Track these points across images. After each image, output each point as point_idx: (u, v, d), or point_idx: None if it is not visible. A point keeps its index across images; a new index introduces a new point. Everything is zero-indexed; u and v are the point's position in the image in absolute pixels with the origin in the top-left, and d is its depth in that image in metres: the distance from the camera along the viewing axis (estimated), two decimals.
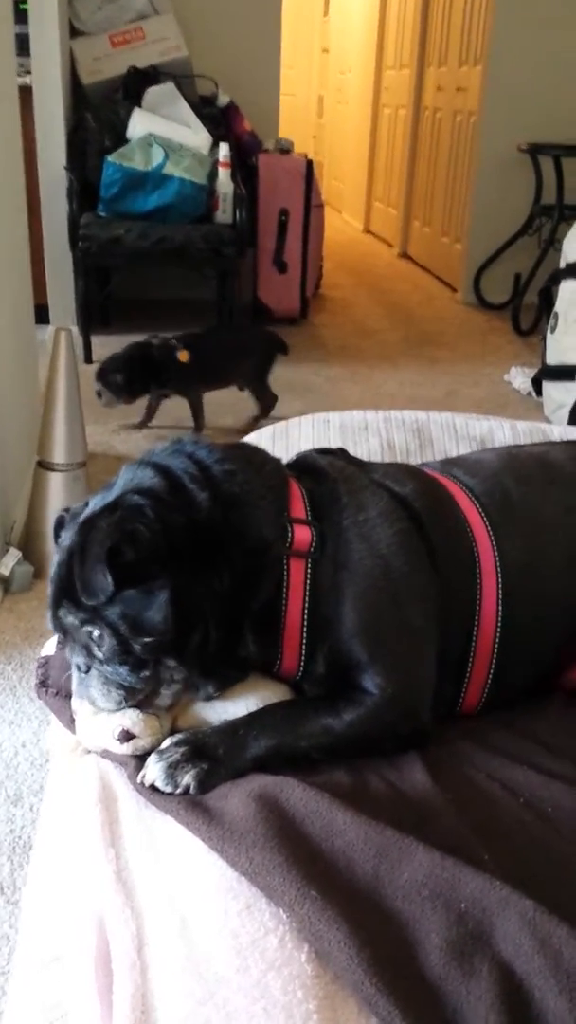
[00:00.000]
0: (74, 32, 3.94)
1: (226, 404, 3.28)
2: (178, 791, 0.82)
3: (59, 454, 2.13)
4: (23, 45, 3.41)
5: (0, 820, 1.42)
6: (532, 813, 0.84)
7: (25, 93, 3.58)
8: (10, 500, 2.20)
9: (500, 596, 0.99)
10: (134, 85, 3.87)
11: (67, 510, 0.95)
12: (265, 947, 0.68)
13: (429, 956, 0.68)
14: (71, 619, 0.87)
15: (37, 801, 1.46)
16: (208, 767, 0.83)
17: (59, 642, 1.10)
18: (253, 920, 0.70)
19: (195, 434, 0.99)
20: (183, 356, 2.76)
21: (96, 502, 0.90)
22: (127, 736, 0.85)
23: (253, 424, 3.09)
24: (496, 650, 0.99)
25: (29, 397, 2.53)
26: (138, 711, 0.87)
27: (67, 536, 0.89)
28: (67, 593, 0.86)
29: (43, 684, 1.01)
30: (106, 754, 0.88)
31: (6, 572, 2.02)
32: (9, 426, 2.22)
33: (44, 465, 2.15)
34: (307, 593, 0.90)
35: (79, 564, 0.83)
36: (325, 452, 1.10)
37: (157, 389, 2.96)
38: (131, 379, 2.85)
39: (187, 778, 0.82)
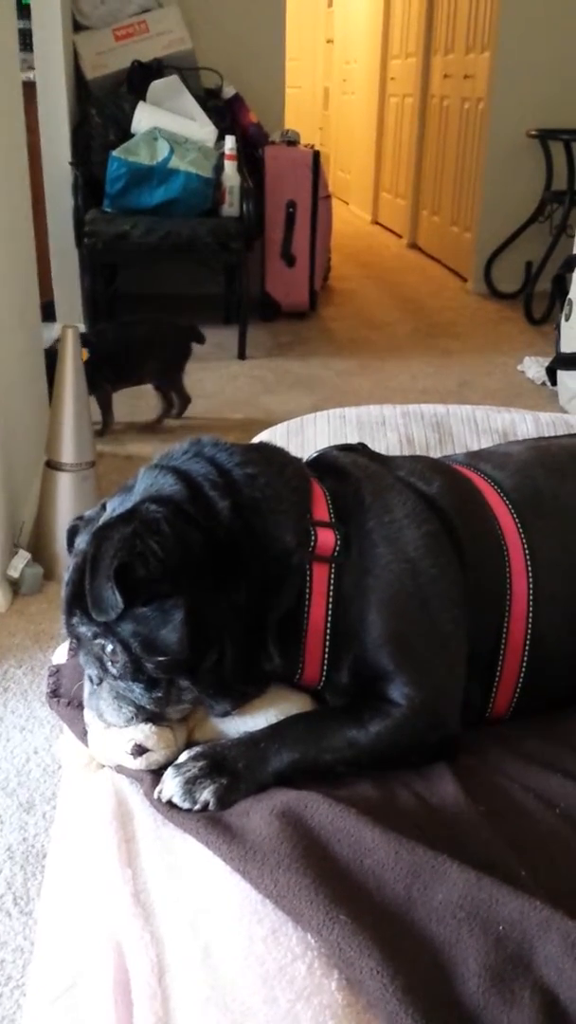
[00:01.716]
0: (77, 27, 3.91)
1: (238, 401, 3.25)
2: (197, 807, 0.78)
3: (67, 454, 2.10)
4: (26, 41, 3.38)
5: (13, 828, 1.39)
6: (569, 825, 0.80)
7: (29, 89, 3.55)
8: (19, 501, 2.18)
9: (530, 597, 0.94)
10: (138, 79, 3.84)
11: (80, 517, 0.91)
12: (293, 975, 0.64)
13: (467, 983, 0.64)
14: (84, 629, 0.83)
15: (50, 809, 1.43)
16: (228, 782, 0.79)
17: (71, 648, 1.06)
18: (280, 946, 0.66)
19: (213, 435, 0.95)
20: (81, 355, 2.50)
21: (113, 506, 0.87)
22: (140, 750, 0.82)
23: (157, 423, 2.92)
24: (526, 653, 0.95)
25: (36, 396, 2.50)
26: (151, 724, 0.83)
27: (82, 541, 0.86)
28: (80, 601, 0.82)
29: (54, 694, 0.97)
30: (120, 769, 0.85)
31: (15, 574, 1.99)
32: (17, 426, 2.19)
33: (52, 465, 2.12)
34: (330, 599, 0.86)
35: (89, 577, 0.79)
36: (346, 448, 1.06)
37: None
38: None
39: (206, 794, 0.78)
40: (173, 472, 0.86)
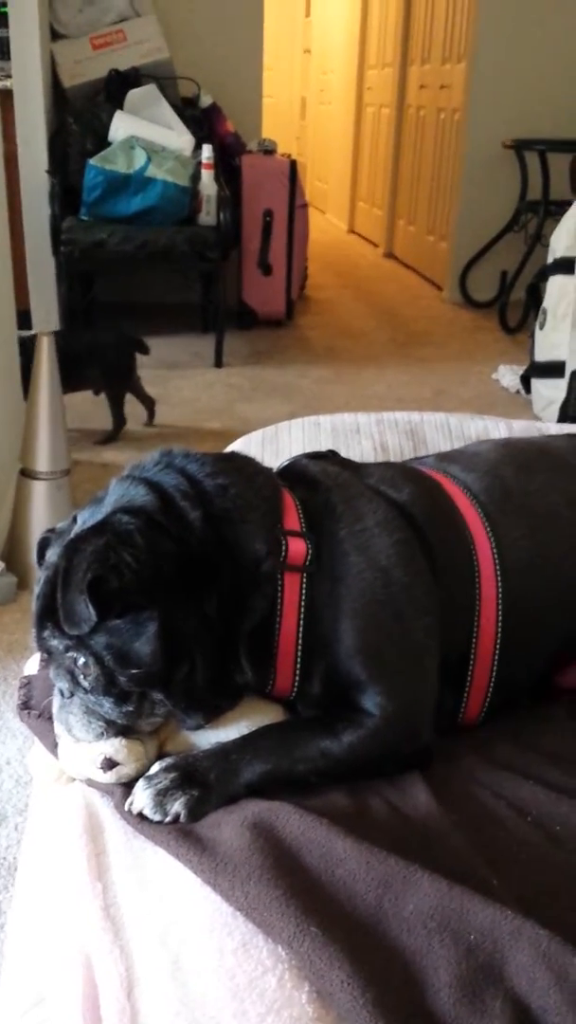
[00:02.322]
0: (55, 35, 3.90)
1: (214, 410, 3.24)
2: (167, 820, 0.77)
3: (42, 462, 2.09)
4: (3, 49, 3.37)
5: None
6: (541, 833, 0.80)
7: (6, 97, 3.55)
8: None
9: (500, 601, 0.95)
10: (116, 88, 3.83)
11: (52, 530, 0.90)
12: (264, 988, 0.64)
13: (438, 993, 0.64)
14: (55, 642, 0.82)
15: (22, 821, 1.41)
16: (199, 794, 0.78)
17: (42, 660, 1.05)
18: (250, 959, 0.66)
19: (184, 446, 0.94)
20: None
21: (84, 518, 0.86)
22: (110, 764, 0.81)
23: (105, 440, 2.85)
24: (497, 656, 0.95)
25: (11, 404, 2.48)
26: (121, 738, 0.82)
27: (52, 554, 0.85)
28: (51, 614, 0.81)
29: (25, 706, 0.96)
30: (91, 782, 0.84)
31: None
32: None
33: (27, 473, 2.10)
34: (302, 609, 0.86)
35: (62, 591, 0.78)
36: (316, 456, 1.06)
37: None
38: None
39: (177, 806, 0.77)
40: (144, 483, 0.86)
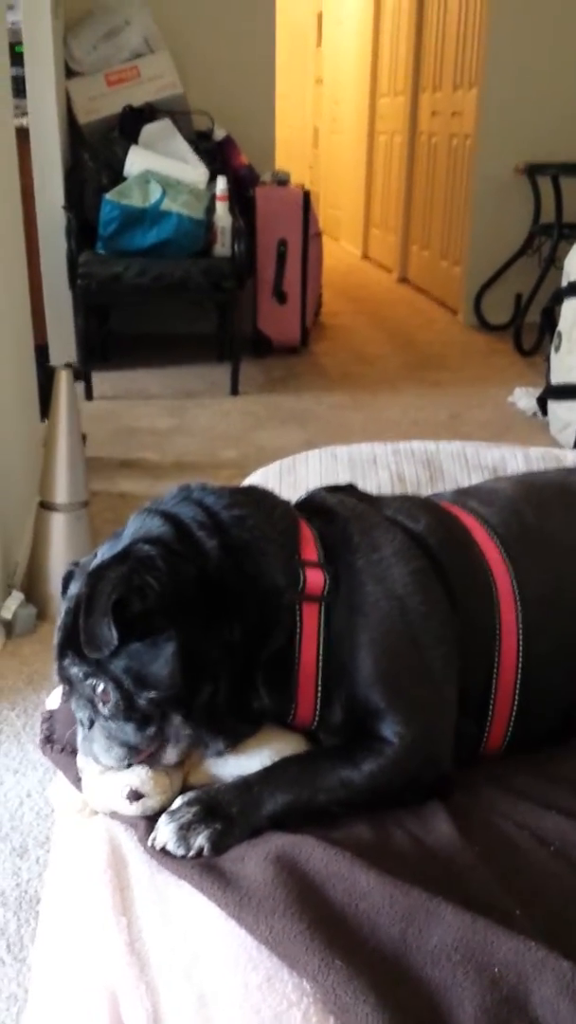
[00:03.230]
0: (70, 72, 3.98)
1: (230, 438, 3.27)
2: (191, 854, 0.78)
3: (61, 494, 2.11)
4: (19, 87, 3.44)
5: (6, 874, 1.38)
6: (563, 863, 0.80)
7: (22, 134, 3.61)
8: (12, 542, 2.18)
9: (520, 631, 0.95)
10: (130, 123, 3.90)
11: (76, 563, 0.92)
12: (289, 1022, 0.64)
13: None
14: (75, 670, 0.84)
15: (43, 853, 1.42)
16: (222, 827, 0.79)
17: (64, 694, 1.06)
18: (275, 993, 0.66)
19: (202, 481, 0.96)
20: None
21: (104, 552, 0.88)
22: (136, 795, 0.82)
23: None
24: (518, 687, 0.95)
25: (30, 437, 2.52)
26: (147, 768, 0.83)
27: (75, 586, 0.87)
28: (72, 643, 0.83)
29: (48, 740, 0.97)
30: (114, 815, 0.84)
31: (9, 615, 1.99)
32: (11, 467, 2.20)
33: (46, 506, 2.13)
34: (321, 639, 0.87)
35: (84, 615, 0.80)
36: (334, 489, 1.07)
37: None
38: None
39: (200, 839, 0.78)
40: (161, 515, 0.88)
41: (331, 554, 0.91)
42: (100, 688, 0.82)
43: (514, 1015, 0.64)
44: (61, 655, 0.85)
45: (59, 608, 0.88)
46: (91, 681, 0.83)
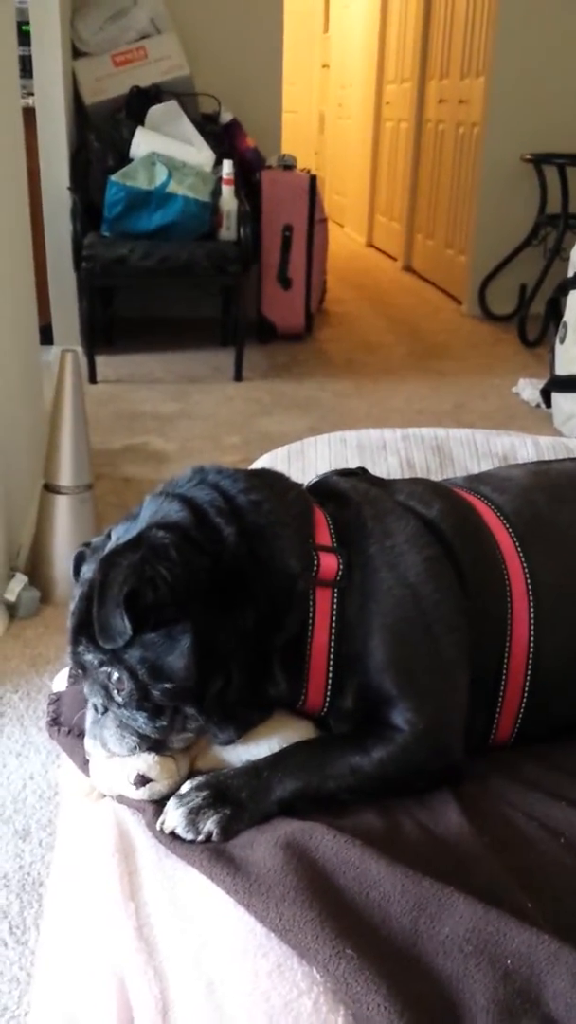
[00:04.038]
0: (76, 53, 3.94)
1: (235, 422, 3.25)
2: (200, 838, 0.77)
3: (65, 477, 2.10)
4: (26, 67, 3.41)
5: (9, 856, 1.38)
6: (573, 855, 0.80)
7: (28, 114, 3.58)
8: (16, 524, 2.17)
9: (532, 620, 0.94)
10: (137, 104, 3.87)
11: (87, 544, 0.91)
12: (299, 1011, 0.63)
13: (476, 1019, 0.63)
14: (90, 657, 0.83)
15: (46, 836, 1.41)
16: (231, 812, 0.78)
17: (71, 675, 1.05)
18: (285, 981, 0.65)
19: (216, 463, 0.95)
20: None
21: (119, 534, 0.86)
22: (143, 780, 0.81)
23: None
24: (529, 677, 0.94)
25: (34, 420, 2.50)
26: (154, 754, 0.82)
27: (88, 569, 0.85)
28: (86, 629, 0.82)
29: (55, 722, 0.97)
30: (122, 799, 0.84)
31: (12, 598, 1.98)
32: (15, 449, 2.19)
33: (50, 488, 2.11)
34: (333, 624, 0.86)
35: (97, 605, 0.79)
36: (346, 473, 1.06)
37: None
38: None
39: (209, 824, 0.77)
40: (178, 499, 0.86)
41: (344, 539, 0.90)
42: (115, 676, 0.81)
43: (527, 1008, 0.64)
44: (75, 641, 0.84)
45: (72, 591, 0.87)
46: (106, 669, 0.82)
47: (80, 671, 0.85)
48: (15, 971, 1.20)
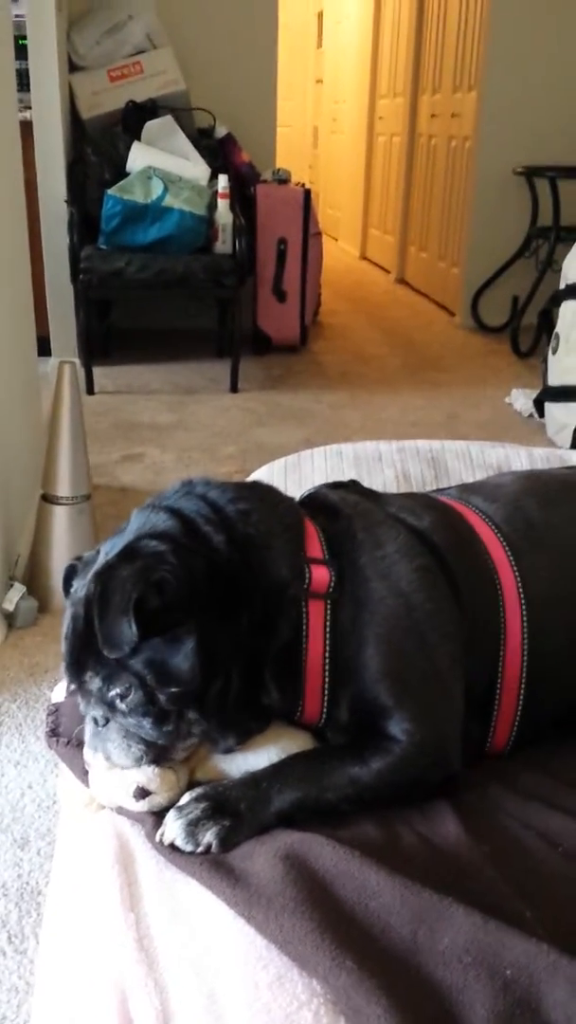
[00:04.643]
0: (73, 67, 3.97)
1: (231, 433, 3.26)
2: (199, 850, 0.77)
3: (63, 487, 2.10)
4: (23, 81, 3.42)
5: (7, 865, 1.38)
6: (572, 865, 0.80)
7: (26, 128, 3.60)
8: (14, 534, 2.17)
9: (525, 629, 0.95)
10: (133, 119, 3.89)
11: (78, 558, 0.91)
12: (300, 1023, 0.64)
13: None
14: (96, 683, 0.82)
15: (45, 845, 1.41)
16: (230, 823, 0.79)
17: (69, 691, 1.05)
18: (285, 993, 0.65)
19: (205, 476, 0.95)
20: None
21: (108, 548, 0.87)
22: (143, 793, 0.81)
23: None
24: (523, 685, 0.95)
25: (32, 430, 2.51)
26: (154, 766, 0.83)
27: (81, 586, 0.85)
28: (87, 648, 0.81)
29: (53, 733, 0.97)
30: (121, 810, 0.84)
31: (10, 607, 1.98)
32: (13, 460, 2.19)
33: (48, 499, 2.12)
34: (327, 636, 0.86)
35: (100, 616, 0.79)
36: (337, 486, 1.07)
37: None
38: None
39: (208, 836, 0.78)
40: (165, 510, 0.87)
41: (335, 551, 0.90)
42: (119, 690, 0.81)
43: (526, 1018, 0.64)
44: (77, 671, 0.83)
45: (64, 615, 0.86)
46: (110, 687, 0.82)
47: (86, 698, 0.85)
48: (14, 980, 1.19)
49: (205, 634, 0.80)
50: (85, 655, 0.82)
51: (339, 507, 0.96)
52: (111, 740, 0.84)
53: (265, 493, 0.95)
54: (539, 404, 3.36)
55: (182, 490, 0.90)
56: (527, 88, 4.50)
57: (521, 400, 3.60)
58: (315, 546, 0.90)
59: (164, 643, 0.80)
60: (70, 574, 0.91)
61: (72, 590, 0.88)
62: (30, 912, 1.29)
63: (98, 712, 0.84)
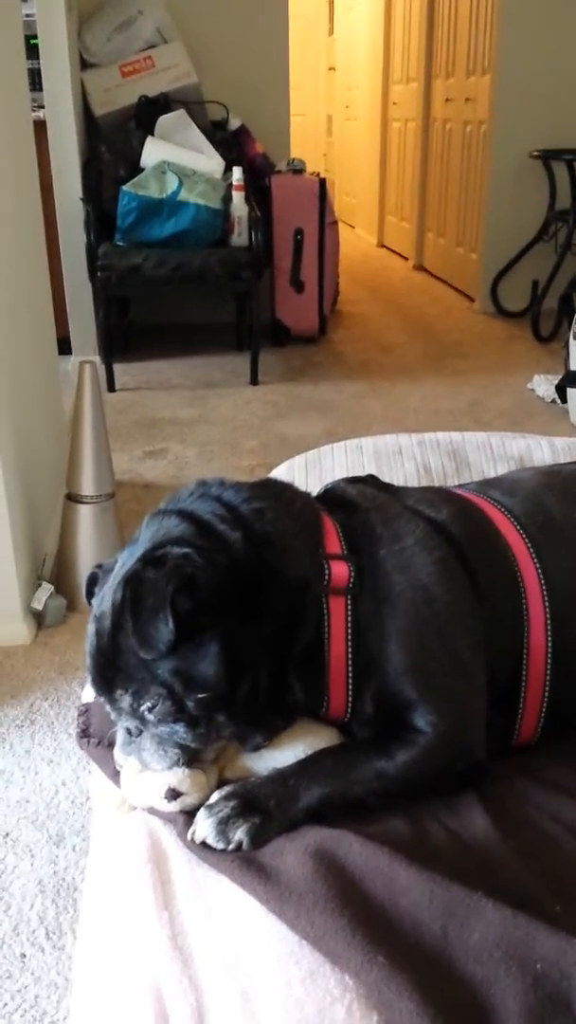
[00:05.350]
0: (84, 64, 3.97)
1: (252, 426, 3.27)
2: (230, 847, 0.78)
3: (87, 486, 2.12)
4: (35, 80, 3.44)
5: (44, 862, 1.40)
6: None
7: (39, 127, 3.61)
8: (40, 534, 2.19)
9: (548, 620, 0.95)
10: (146, 114, 3.89)
11: (99, 566, 0.92)
12: (333, 1018, 0.65)
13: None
14: (127, 700, 0.83)
15: (80, 841, 1.43)
16: (260, 821, 0.79)
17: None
18: (318, 988, 0.66)
19: (219, 476, 0.95)
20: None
21: (125, 558, 0.87)
22: (174, 794, 0.82)
23: None
24: (549, 677, 0.95)
25: (55, 430, 2.53)
26: (185, 768, 0.84)
27: (101, 599, 0.86)
28: (112, 665, 0.82)
29: (84, 734, 0.98)
30: (153, 811, 0.85)
31: (39, 606, 2.01)
32: (37, 460, 2.21)
33: (73, 498, 2.14)
34: (349, 631, 0.87)
35: (133, 618, 0.79)
36: (354, 480, 1.07)
37: None
38: None
39: (239, 833, 0.79)
40: (175, 514, 0.87)
41: (353, 546, 0.91)
42: (148, 704, 0.82)
43: (558, 1013, 0.64)
44: (107, 687, 0.83)
45: (87, 629, 0.86)
46: (140, 701, 0.82)
47: (112, 710, 0.85)
48: (52, 976, 1.22)
49: (229, 637, 0.81)
50: (111, 672, 0.83)
51: (357, 501, 0.97)
52: (145, 749, 0.84)
53: (280, 490, 0.95)
54: (561, 390, 3.33)
55: (196, 491, 0.91)
56: (541, 71, 4.44)
57: (543, 386, 3.57)
58: (333, 542, 0.90)
59: (190, 650, 0.80)
60: (92, 581, 0.92)
61: (93, 600, 0.89)
62: (67, 908, 1.31)
63: (131, 724, 0.85)
